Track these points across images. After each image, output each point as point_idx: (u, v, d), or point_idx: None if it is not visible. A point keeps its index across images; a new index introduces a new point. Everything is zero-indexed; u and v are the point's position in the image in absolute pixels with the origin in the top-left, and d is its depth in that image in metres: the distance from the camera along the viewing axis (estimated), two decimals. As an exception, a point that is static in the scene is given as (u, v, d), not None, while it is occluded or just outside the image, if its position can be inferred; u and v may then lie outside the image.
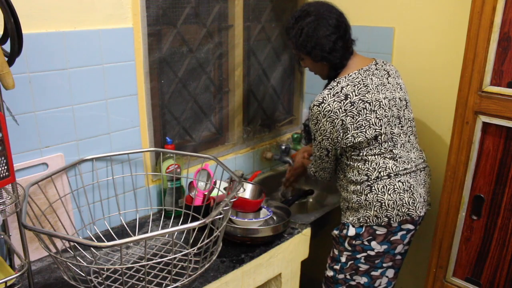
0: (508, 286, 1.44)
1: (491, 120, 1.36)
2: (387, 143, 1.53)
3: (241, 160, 2.09)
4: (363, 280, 1.61)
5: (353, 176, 1.56)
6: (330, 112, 1.48)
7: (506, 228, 1.40)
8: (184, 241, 1.54)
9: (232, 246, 1.53)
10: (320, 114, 1.50)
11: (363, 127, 1.49)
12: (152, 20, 1.61)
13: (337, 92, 1.49)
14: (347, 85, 1.50)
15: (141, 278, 1.31)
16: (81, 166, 1.49)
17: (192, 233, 1.49)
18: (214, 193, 1.62)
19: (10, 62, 1.07)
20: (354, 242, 1.57)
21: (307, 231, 1.69)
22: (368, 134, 1.49)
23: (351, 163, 1.56)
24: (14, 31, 1.03)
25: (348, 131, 1.49)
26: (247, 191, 1.64)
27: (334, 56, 1.53)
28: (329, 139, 1.53)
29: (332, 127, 1.50)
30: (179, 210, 1.66)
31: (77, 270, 1.30)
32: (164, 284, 1.26)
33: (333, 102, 1.48)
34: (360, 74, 1.53)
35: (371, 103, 1.50)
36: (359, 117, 1.48)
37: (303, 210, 2.15)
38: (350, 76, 1.52)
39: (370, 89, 1.51)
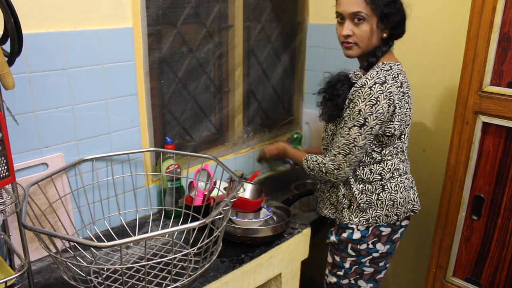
0: (508, 286, 1.44)
1: (491, 120, 1.36)
2: (404, 144, 1.51)
3: (241, 160, 2.09)
4: (369, 286, 1.60)
5: (363, 174, 1.49)
6: (391, 94, 1.37)
7: (506, 228, 1.40)
8: (184, 241, 1.54)
9: (232, 246, 1.53)
10: (382, 94, 1.36)
11: (402, 121, 1.43)
12: (152, 20, 1.60)
13: (394, 77, 1.41)
14: (399, 74, 1.43)
15: (141, 278, 1.31)
16: (81, 166, 1.49)
17: (192, 233, 1.49)
18: (214, 193, 1.62)
19: (10, 62, 1.07)
20: (358, 246, 1.54)
21: (307, 231, 1.69)
22: (401, 129, 1.45)
23: (366, 160, 1.48)
24: (14, 31, 1.03)
25: (393, 120, 1.41)
26: (247, 191, 1.64)
27: (396, 34, 1.45)
28: (383, 124, 1.40)
29: (387, 111, 1.38)
30: (179, 210, 1.66)
31: (77, 270, 1.30)
32: (164, 284, 1.26)
33: (393, 85, 1.39)
34: (402, 67, 1.47)
35: (411, 99, 1.47)
36: (403, 109, 1.43)
37: (305, 206, 2.15)
38: (399, 65, 1.46)
39: (409, 86, 1.48)
